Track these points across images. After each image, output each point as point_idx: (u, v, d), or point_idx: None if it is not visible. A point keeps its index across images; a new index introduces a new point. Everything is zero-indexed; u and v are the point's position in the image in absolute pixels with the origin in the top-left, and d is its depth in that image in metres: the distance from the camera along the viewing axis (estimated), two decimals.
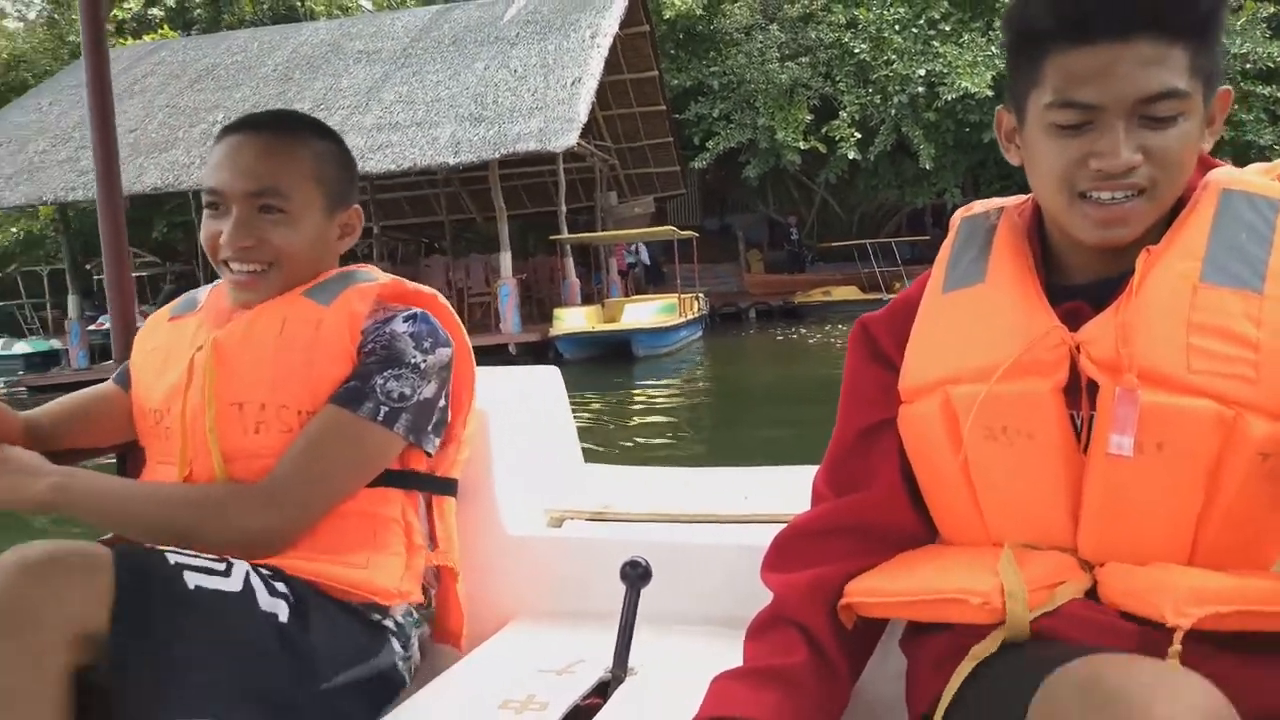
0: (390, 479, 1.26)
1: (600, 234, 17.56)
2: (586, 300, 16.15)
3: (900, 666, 1.07)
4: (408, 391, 1.24)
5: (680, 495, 1.72)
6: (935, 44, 18.64)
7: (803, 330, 17.18)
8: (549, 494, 1.24)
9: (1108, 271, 0.97)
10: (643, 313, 14.41)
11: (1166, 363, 0.88)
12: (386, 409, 1.22)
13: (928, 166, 19.01)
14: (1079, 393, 0.92)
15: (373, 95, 15.71)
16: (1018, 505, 0.96)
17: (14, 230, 21.98)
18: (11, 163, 15.52)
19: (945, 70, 17.94)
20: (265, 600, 1.09)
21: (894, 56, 18.78)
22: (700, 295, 17.37)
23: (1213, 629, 0.80)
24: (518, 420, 1.50)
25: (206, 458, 1.21)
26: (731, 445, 7.62)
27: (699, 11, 20.18)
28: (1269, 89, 17.62)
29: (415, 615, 1.31)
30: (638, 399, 10.76)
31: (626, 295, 17.42)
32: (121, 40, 24.25)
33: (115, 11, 25.11)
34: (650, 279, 21.34)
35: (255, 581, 1.09)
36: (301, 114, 1.34)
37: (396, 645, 1.25)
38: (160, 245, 21.40)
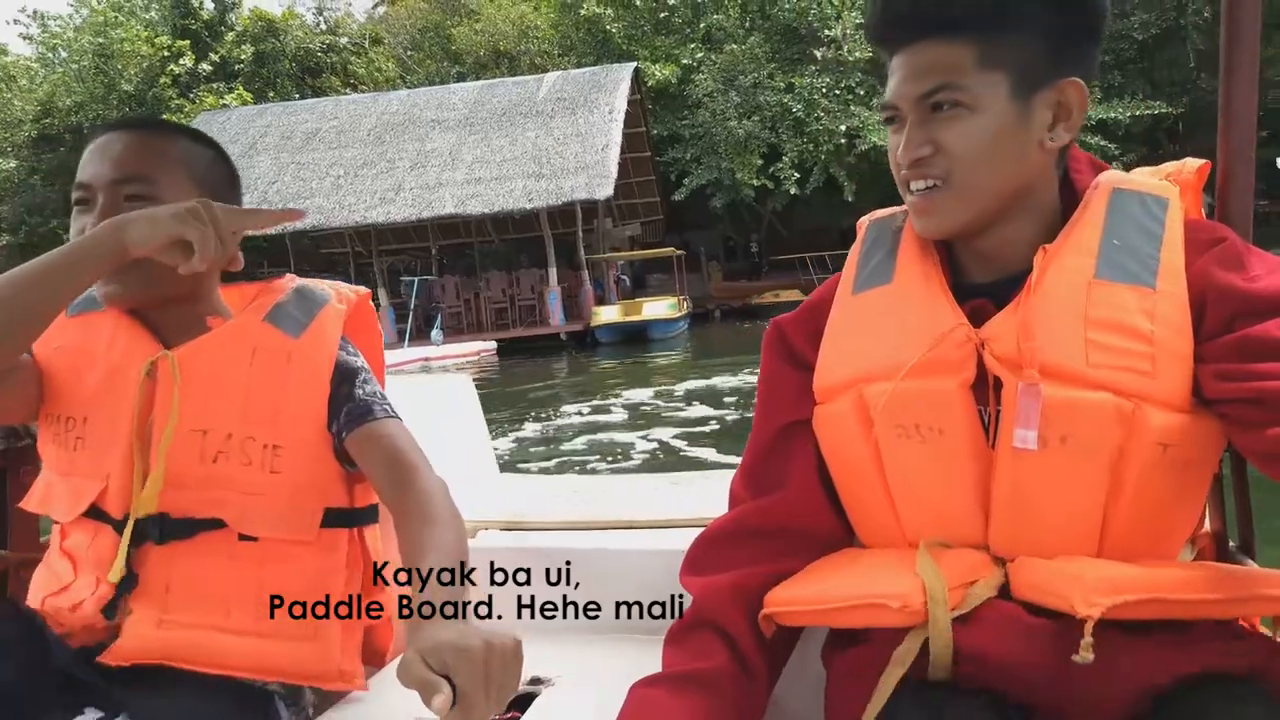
0: (338, 518, 1.21)
1: (626, 253, 22.40)
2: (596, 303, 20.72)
3: (820, 674, 1.05)
4: (380, 389, 1.24)
5: (597, 502, 1.70)
6: (853, 106, 23.62)
7: (758, 323, 21.50)
8: (463, 505, 1.15)
9: (1008, 270, 0.97)
10: (657, 309, 19.57)
11: (1066, 357, 0.88)
12: (387, 405, 1.21)
13: (850, 199, 23.13)
14: (987, 389, 0.92)
15: (455, 155, 20.20)
16: (931, 502, 0.96)
17: None
18: None
19: (861, 126, 23.04)
20: None
21: (822, 115, 23.34)
22: (687, 298, 22.35)
23: (1121, 618, 0.80)
24: (428, 431, 1.37)
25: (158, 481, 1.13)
26: (708, 382, 11.59)
27: (674, 81, 24.98)
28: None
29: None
30: (656, 363, 15.41)
31: (620, 300, 21.89)
32: (175, 93, 28.54)
33: (172, 67, 29.42)
34: (635, 286, 26.74)
35: None
36: (177, 122, 1.26)
37: (284, 711, 1.18)
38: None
